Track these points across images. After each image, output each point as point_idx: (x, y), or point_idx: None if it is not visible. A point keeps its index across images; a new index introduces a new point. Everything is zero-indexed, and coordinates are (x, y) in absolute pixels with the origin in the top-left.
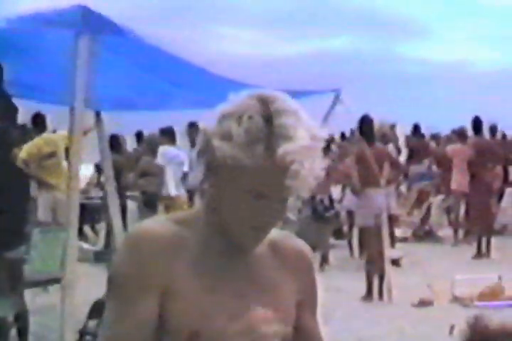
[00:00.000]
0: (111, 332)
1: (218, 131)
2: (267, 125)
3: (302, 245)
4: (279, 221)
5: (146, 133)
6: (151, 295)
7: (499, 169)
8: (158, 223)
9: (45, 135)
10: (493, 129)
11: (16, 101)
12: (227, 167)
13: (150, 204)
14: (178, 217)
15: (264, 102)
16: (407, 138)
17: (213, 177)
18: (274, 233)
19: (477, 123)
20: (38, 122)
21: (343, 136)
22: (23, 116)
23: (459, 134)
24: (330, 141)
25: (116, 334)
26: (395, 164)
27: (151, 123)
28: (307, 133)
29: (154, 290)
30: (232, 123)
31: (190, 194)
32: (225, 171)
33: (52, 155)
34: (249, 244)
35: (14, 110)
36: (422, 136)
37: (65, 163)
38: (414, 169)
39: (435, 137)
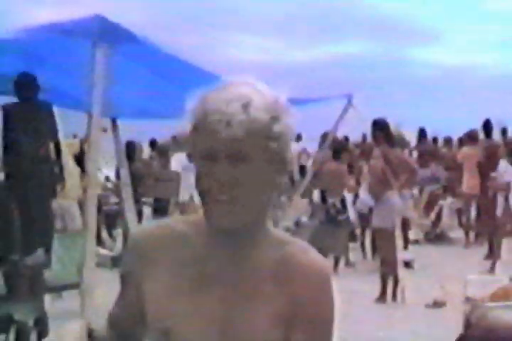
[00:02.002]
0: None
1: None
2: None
3: (315, 261)
4: (238, 184)
5: (160, 140)
6: (133, 289)
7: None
8: (160, 223)
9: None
10: (503, 132)
11: None
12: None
13: (161, 210)
14: (190, 217)
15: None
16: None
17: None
18: (294, 246)
19: (488, 126)
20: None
21: (364, 138)
22: None
23: (470, 137)
24: (344, 144)
25: (109, 315)
26: (409, 168)
27: (165, 130)
28: (256, 90)
29: (136, 285)
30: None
31: None
32: (186, 147)
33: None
34: (215, 217)
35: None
36: (435, 139)
37: (70, 169)
38: (424, 172)
39: (447, 140)
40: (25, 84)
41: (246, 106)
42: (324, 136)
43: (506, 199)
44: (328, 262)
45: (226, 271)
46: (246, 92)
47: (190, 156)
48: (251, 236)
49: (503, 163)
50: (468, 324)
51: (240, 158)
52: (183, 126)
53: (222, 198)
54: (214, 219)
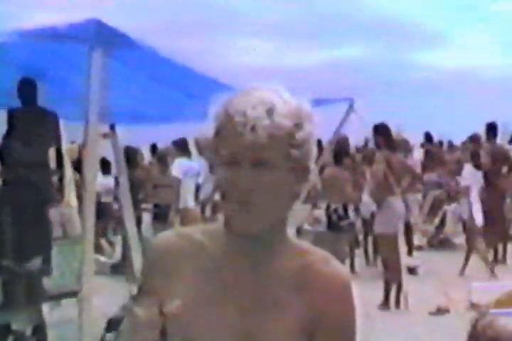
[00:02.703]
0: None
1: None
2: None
3: (336, 271)
4: (259, 191)
5: (160, 145)
6: (154, 300)
7: None
8: (178, 233)
9: None
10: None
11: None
12: (208, 146)
13: (162, 216)
14: (207, 226)
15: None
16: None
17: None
18: (315, 256)
19: (491, 130)
20: None
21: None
22: None
23: (473, 141)
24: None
25: (123, 330)
26: (412, 173)
27: (165, 135)
28: (280, 97)
29: (157, 296)
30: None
31: (203, 206)
32: (208, 151)
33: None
34: (235, 223)
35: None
36: (440, 143)
37: (69, 176)
38: (428, 177)
39: (449, 144)
40: (29, 89)
41: (270, 111)
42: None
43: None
44: (348, 272)
45: (246, 281)
46: (270, 98)
47: (210, 161)
48: (270, 245)
49: (468, 167)
50: (474, 333)
51: (263, 163)
52: (203, 129)
53: (243, 203)
54: (234, 224)
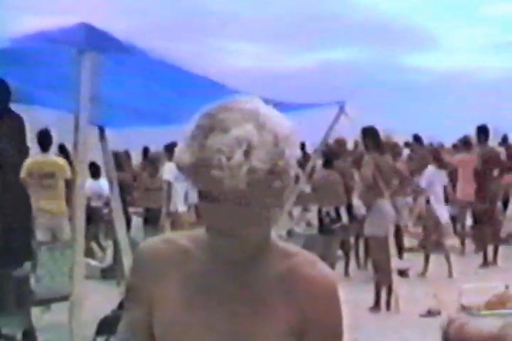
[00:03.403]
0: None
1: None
2: (210, 121)
3: (322, 274)
4: (242, 225)
5: (152, 149)
6: (142, 304)
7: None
8: (164, 238)
9: (45, 154)
10: (504, 138)
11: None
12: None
13: (152, 220)
14: (192, 232)
15: (222, 105)
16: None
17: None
18: (301, 258)
19: (482, 132)
20: (44, 139)
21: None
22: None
23: (464, 143)
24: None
25: (117, 333)
26: (400, 175)
27: (157, 138)
28: (257, 127)
29: (145, 300)
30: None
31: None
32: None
33: (51, 175)
34: (219, 252)
35: (21, 129)
36: (431, 146)
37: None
38: (418, 179)
39: (439, 147)
40: (3, 92)
41: (248, 154)
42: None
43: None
44: (335, 274)
45: (233, 285)
46: (247, 136)
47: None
48: (256, 253)
49: (431, 168)
50: (446, 336)
51: (243, 204)
52: (177, 150)
53: (226, 233)
54: (219, 251)
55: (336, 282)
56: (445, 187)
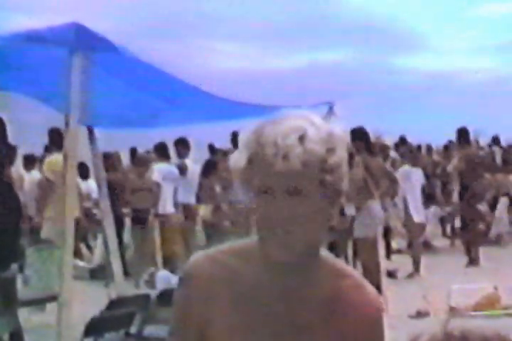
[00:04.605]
0: None
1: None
2: (262, 126)
3: (368, 300)
4: (294, 219)
5: (140, 149)
6: (191, 324)
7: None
8: (211, 256)
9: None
10: (495, 139)
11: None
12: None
13: (140, 221)
14: (235, 248)
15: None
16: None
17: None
18: (351, 282)
19: (463, 134)
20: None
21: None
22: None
23: (449, 146)
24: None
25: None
26: (390, 177)
27: (145, 139)
28: (310, 123)
29: (194, 320)
30: None
31: (186, 212)
32: (239, 180)
33: None
34: (271, 251)
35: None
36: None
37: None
38: None
39: (428, 148)
40: None
41: (302, 138)
42: None
43: None
44: (380, 298)
45: (279, 307)
46: (301, 125)
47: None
48: (303, 270)
49: (406, 168)
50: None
51: (297, 192)
52: (234, 158)
53: (279, 231)
54: (271, 251)
55: (382, 308)
56: (423, 187)
